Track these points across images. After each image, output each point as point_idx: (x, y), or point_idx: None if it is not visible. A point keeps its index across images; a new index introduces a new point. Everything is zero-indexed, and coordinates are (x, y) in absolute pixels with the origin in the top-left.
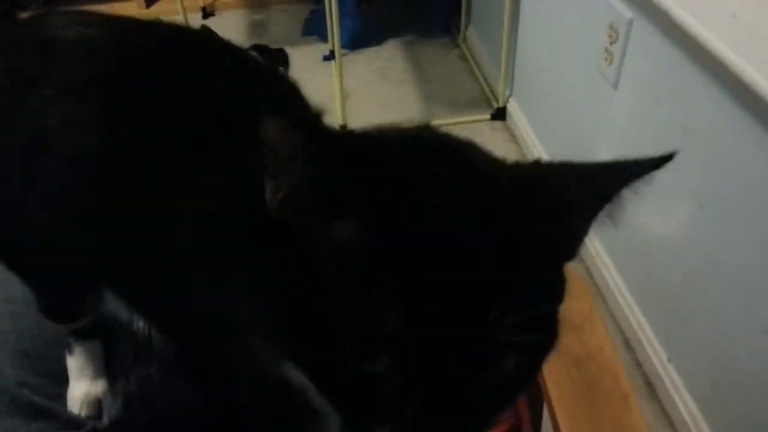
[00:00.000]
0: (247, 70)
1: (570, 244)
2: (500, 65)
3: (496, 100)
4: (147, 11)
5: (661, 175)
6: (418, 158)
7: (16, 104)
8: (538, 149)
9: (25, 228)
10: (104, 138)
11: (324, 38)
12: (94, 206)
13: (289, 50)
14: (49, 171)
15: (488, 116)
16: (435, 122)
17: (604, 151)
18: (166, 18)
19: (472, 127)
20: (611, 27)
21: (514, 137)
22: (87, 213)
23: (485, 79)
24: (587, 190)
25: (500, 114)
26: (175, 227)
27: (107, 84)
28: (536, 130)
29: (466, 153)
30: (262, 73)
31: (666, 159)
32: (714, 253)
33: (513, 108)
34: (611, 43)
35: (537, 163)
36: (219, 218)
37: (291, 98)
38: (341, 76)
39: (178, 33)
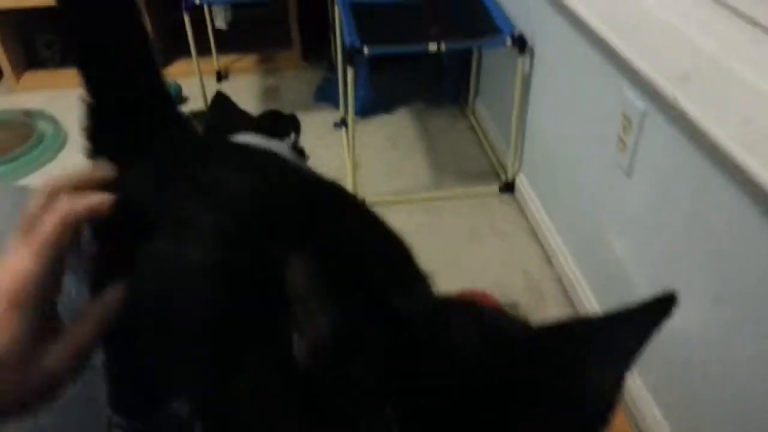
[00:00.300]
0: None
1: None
2: (508, 139)
3: (505, 173)
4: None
5: (673, 269)
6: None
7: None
8: (547, 226)
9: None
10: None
11: (336, 105)
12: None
13: (300, 116)
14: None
15: (496, 189)
16: (443, 193)
17: (615, 236)
18: (181, 80)
19: (481, 200)
20: (625, 116)
21: (522, 212)
22: (193, 340)
23: (493, 152)
24: (607, 366)
25: (508, 187)
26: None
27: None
28: (545, 207)
29: (500, 328)
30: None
31: (671, 301)
32: (729, 350)
33: (522, 183)
34: (625, 132)
35: (558, 327)
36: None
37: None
38: (353, 147)
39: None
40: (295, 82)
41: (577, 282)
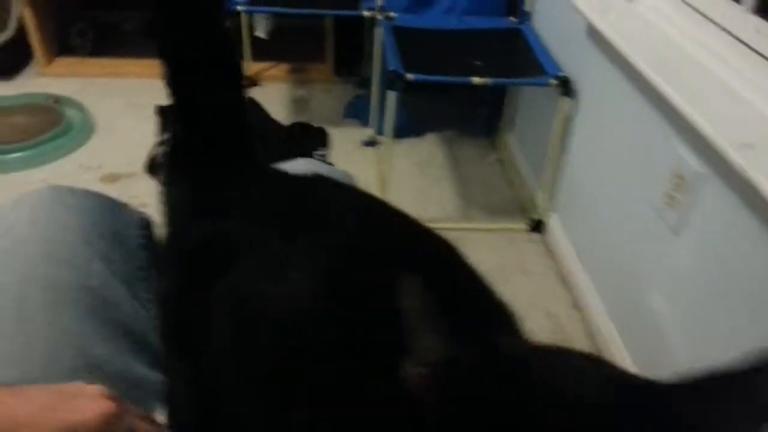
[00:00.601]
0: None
1: None
2: (541, 176)
3: (535, 211)
4: None
5: (715, 332)
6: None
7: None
8: (577, 270)
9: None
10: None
11: (364, 123)
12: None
13: (328, 130)
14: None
15: (524, 227)
16: (470, 225)
17: (655, 293)
18: None
19: (508, 236)
20: (676, 173)
21: (551, 253)
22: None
23: (523, 188)
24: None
25: (538, 226)
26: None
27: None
28: (577, 251)
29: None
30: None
31: None
32: None
33: (553, 224)
34: (676, 189)
35: (678, 386)
36: None
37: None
38: (387, 170)
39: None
40: (325, 96)
41: (607, 330)
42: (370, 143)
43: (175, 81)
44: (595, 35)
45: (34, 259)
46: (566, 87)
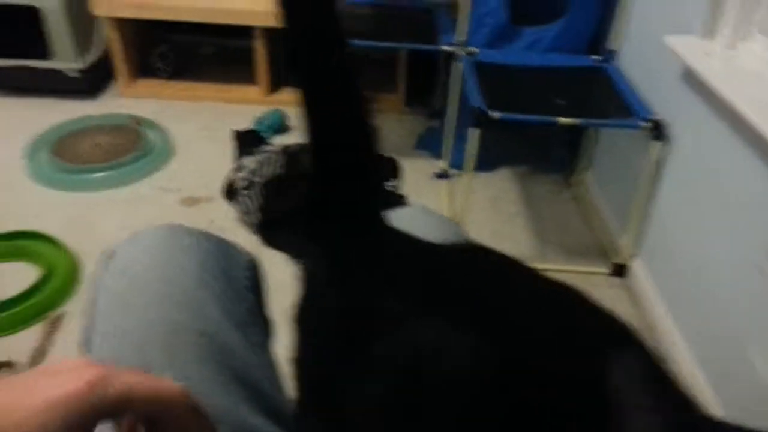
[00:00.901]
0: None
1: None
2: (623, 218)
3: (616, 255)
4: (268, 98)
5: None
6: None
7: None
8: (665, 320)
9: None
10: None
11: (436, 155)
12: None
13: (399, 161)
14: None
15: (605, 270)
16: (548, 266)
17: (756, 351)
18: (285, 107)
19: (588, 280)
20: None
21: (635, 300)
22: None
23: (602, 229)
24: None
25: (619, 271)
26: None
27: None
28: (665, 300)
29: None
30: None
31: None
32: None
33: (638, 269)
34: None
35: None
36: None
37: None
38: (464, 206)
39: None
40: (396, 126)
41: (697, 383)
42: (442, 175)
43: (315, 119)
44: (692, 78)
45: (154, 301)
46: (658, 130)
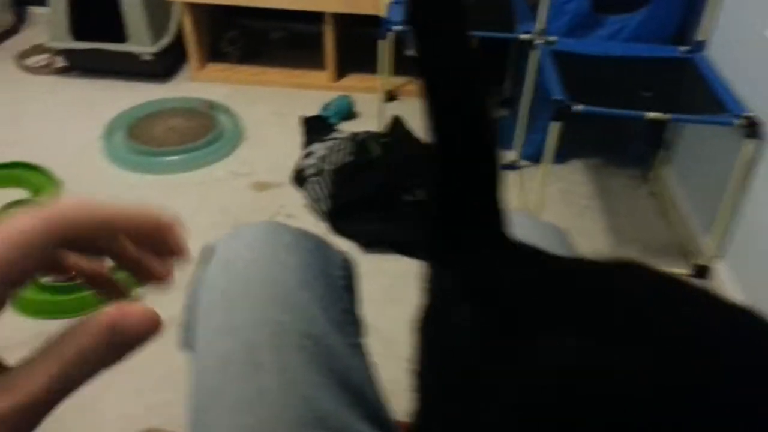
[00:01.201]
0: None
1: None
2: (705, 217)
3: (699, 255)
4: (336, 84)
5: None
6: None
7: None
8: None
9: None
10: None
11: (506, 145)
12: None
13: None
14: None
15: (686, 272)
16: None
17: None
18: (352, 93)
19: None
20: None
21: None
22: None
23: (683, 228)
24: None
25: (702, 272)
26: None
27: None
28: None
29: None
30: None
31: None
32: None
33: (723, 272)
34: None
35: None
36: None
37: None
38: (540, 200)
39: None
40: None
41: None
42: (511, 166)
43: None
44: None
45: (260, 301)
46: (753, 128)
